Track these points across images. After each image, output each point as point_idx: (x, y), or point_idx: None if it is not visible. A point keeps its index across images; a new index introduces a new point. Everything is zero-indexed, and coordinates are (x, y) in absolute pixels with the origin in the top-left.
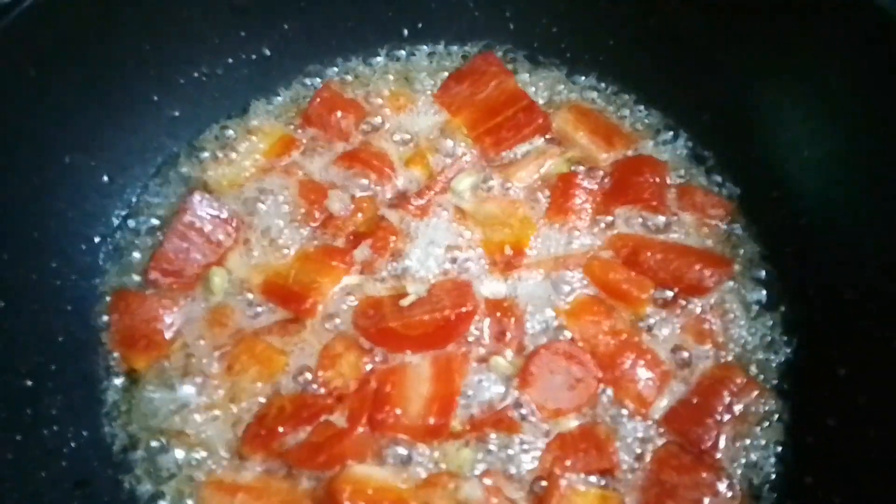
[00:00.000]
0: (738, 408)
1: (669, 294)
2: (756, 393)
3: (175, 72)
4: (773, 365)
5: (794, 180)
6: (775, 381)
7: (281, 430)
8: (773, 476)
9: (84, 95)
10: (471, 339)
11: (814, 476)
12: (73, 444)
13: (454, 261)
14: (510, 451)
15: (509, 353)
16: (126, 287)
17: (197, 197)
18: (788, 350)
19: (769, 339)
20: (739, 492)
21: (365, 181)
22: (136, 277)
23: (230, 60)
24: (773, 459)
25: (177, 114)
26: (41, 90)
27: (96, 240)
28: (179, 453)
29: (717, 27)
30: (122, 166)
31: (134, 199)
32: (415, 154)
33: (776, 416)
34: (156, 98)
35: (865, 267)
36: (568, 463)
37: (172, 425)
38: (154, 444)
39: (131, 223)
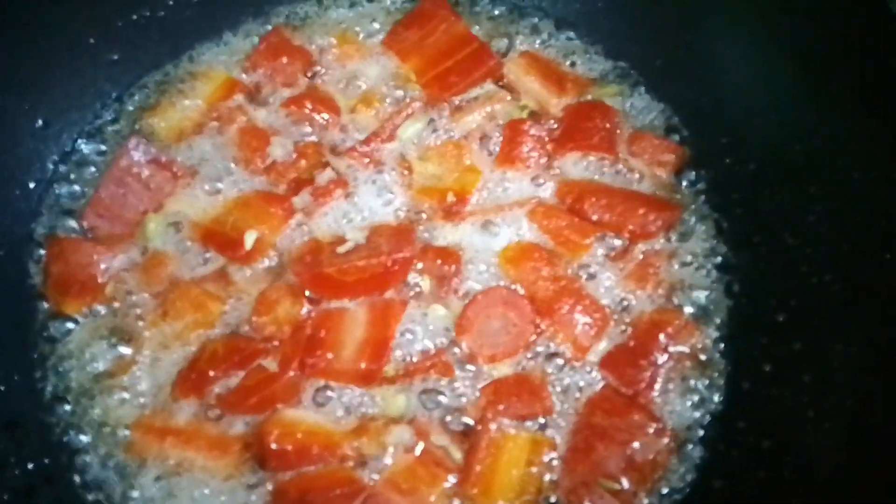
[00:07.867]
0: (674, 349)
1: (615, 241)
2: (694, 336)
3: (113, 13)
4: (714, 310)
5: (743, 125)
6: (715, 326)
7: (212, 373)
8: (708, 419)
9: (15, 36)
10: (410, 285)
11: (747, 421)
12: (2, 388)
13: (397, 208)
14: (444, 397)
15: (449, 299)
16: (62, 233)
17: (134, 142)
18: (730, 296)
19: (712, 284)
20: (670, 433)
21: (309, 128)
22: (73, 224)
23: (171, 2)
24: (707, 402)
25: (115, 57)
26: None
27: (31, 185)
28: (111, 399)
29: None
30: (58, 110)
31: (71, 145)
32: (362, 100)
33: (713, 360)
34: (92, 41)
35: (808, 212)
36: (501, 408)
37: (105, 370)
38: (86, 388)
39: (68, 169)
